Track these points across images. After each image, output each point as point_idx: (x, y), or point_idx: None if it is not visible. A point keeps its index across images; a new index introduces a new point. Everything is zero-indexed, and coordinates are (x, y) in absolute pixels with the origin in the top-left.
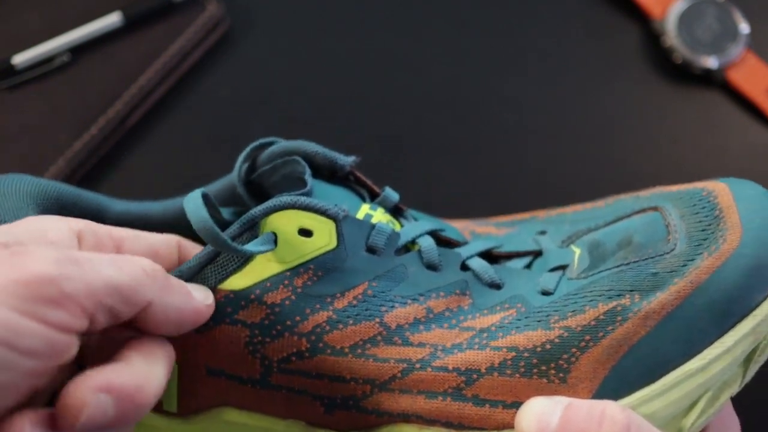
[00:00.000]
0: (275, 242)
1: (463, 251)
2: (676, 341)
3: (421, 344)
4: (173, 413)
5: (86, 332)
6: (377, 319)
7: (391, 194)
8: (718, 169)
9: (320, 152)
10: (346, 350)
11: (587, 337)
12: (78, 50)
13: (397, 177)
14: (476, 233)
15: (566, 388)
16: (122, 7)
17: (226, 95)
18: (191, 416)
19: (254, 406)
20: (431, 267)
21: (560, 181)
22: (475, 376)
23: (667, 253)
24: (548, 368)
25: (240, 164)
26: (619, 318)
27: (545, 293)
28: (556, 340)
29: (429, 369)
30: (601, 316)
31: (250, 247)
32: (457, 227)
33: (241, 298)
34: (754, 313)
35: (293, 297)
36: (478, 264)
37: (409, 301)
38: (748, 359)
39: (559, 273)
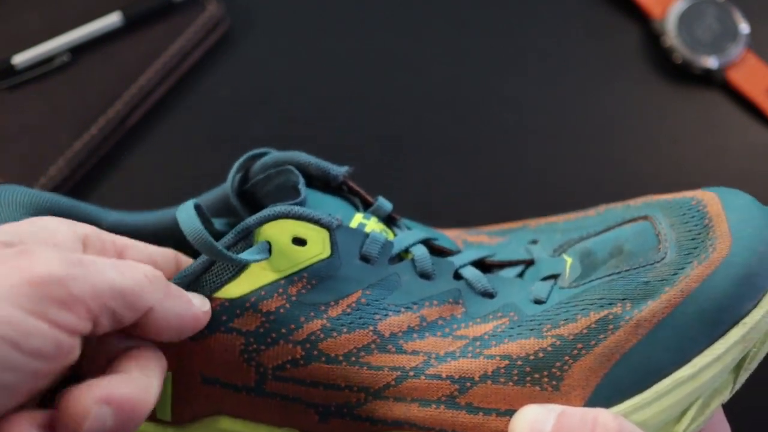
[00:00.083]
0: (269, 251)
1: (456, 260)
2: (667, 349)
3: (414, 352)
4: (167, 421)
5: (88, 336)
6: (371, 327)
7: (385, 203)
8: (718, 169)
9: (313, 163)
10: (341, 358)
11: (579, 346)
12: (78, 50)
13: (396, 177)
14: (468, 242)
15: (559, 396)
16: (122, 7)
17: (226, 95)
18: (186, 424)
19: (249, 414)
20: (424, 276)
21: (560, 181)
22: (468, 384)
23: (658, 262)
24: (541, 376)
25: (233, 174)
26: (611, 326)
27: (537, 302)
28: (549, 349)
29: (423, 377)
30: (593, 325)
31: (244, 255)
32: (449, 236)
33: (236, 306)
34: (744, 321)
35: (288, 305)
36: (470, 273)
37: (403, 310)
38: (738, 367)
39: (551, 282)
